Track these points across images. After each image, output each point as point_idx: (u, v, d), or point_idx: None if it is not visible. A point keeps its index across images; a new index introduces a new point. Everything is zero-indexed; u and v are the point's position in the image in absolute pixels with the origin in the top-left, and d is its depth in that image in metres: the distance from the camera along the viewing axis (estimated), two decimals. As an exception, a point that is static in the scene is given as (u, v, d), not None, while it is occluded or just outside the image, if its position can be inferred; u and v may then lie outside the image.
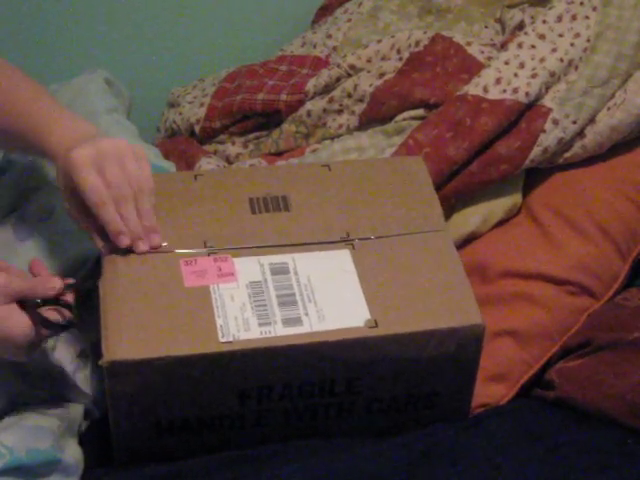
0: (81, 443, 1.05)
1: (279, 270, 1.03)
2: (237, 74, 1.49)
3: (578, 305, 1.21)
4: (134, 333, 0.97)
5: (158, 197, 1.04)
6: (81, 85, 1.30)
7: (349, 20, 1.51)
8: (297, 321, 0.99)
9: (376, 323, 0.99)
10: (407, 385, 1.03)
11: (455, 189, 1.25)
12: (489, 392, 1.16)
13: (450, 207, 1.26)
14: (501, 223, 1.28)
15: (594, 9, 1.31)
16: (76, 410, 1.06)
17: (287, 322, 0.99)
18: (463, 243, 1.26)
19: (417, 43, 1.38)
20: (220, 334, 0.97)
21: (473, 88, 1.27)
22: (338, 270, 1.04)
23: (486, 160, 1.25)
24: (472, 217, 1.27)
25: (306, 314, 0.99)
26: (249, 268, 1.03)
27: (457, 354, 1.01)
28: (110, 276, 1.01)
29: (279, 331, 0.98)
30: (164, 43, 1.65)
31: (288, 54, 1.51)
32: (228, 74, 1.50)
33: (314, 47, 1.50)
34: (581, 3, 1.32)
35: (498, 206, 1.27)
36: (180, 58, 1.65)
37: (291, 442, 1.04)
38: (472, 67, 1.32)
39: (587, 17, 1.30)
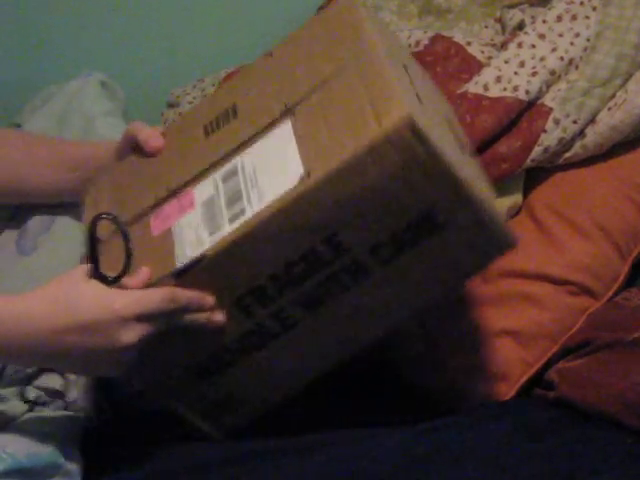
0: (81, 450, 1.06)
1: (229, 175, 1.01)
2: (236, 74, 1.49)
3: (578, 305, 1.21)
4: None
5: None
6: (76, 89, 1.31)
7: (349, 20, 1.50)
8: (240, 214, 0.97)
9: (309, 174, 0.95)
10: (394, 218, 0.97)
11: (455, 188, 1.25)
12: (489, 392, 1.16)
13: (450, 207, 1.27)
14: (501, 223, 1.28)
15: (594, 9, 1.31)
16: (77, 417, 1.07)
17: (232, 219, 0.97)
18: (463, 243, 1.27)
19: (417, 43, 1.37)
20: (178, 263, 0.97)
21: (473, 86, 1.27)
22: (279, 145, 1.00)
23: (487, 159, 1.25)
24: (472, 217, 1.27)
25: (249, 202, 0.97)
26: (205, 188, 1.02)
27: (409, 161, 0.93)
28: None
29: (225, 231, 0.97)
30: (163, 43, 1.65)
31: (288, 54, 1.51)
32: (227, 74, 1.50)
33: (314, 47, 1.49)
34: (581, 3, 1.32)
35: (498, 206, 1.27)
36: (179, 58, 1.65)
37: (288, 440, 1.04)
38: (472, 67, 1.32)
39: (587, 17, 1.30)
